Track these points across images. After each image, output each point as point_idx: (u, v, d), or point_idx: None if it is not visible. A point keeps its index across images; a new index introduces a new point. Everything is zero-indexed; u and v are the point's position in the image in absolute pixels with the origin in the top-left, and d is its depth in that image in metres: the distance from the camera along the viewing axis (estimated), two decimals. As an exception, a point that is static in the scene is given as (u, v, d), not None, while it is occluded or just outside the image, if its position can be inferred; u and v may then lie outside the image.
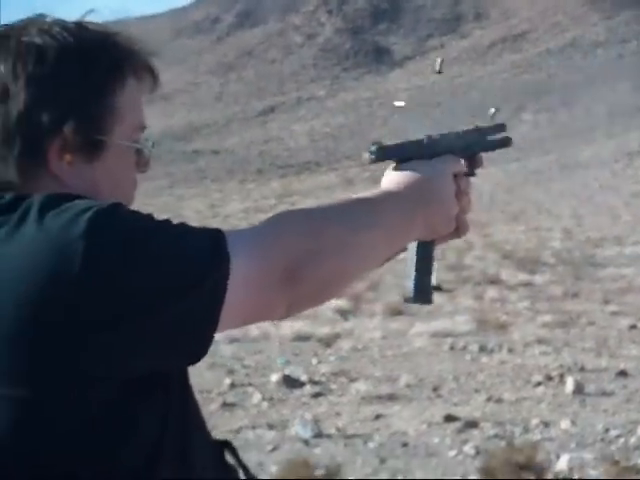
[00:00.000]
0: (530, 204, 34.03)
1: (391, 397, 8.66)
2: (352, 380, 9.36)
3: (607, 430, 7.47)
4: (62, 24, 1.38)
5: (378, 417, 8.07)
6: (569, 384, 8.69)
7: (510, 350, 10.47)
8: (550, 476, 6.51)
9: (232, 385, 9.18)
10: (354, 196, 1.49)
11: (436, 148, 1.61)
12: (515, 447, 6.90)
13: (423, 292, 1.65)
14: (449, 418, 7.85)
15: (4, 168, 1.34)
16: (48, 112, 1.32)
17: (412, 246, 1.62)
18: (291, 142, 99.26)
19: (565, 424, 7.64)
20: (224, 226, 1.34)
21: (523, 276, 16.83)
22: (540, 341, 10.86)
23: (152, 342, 1.23)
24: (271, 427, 7.83)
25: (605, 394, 8.57)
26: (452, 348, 10.72)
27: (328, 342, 11.13)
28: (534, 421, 7.76)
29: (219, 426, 7.59)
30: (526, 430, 7.59)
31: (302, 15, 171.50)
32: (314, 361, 10.28)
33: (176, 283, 1.22)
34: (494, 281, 16.18)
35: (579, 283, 15.63)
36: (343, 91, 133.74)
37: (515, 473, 6.35)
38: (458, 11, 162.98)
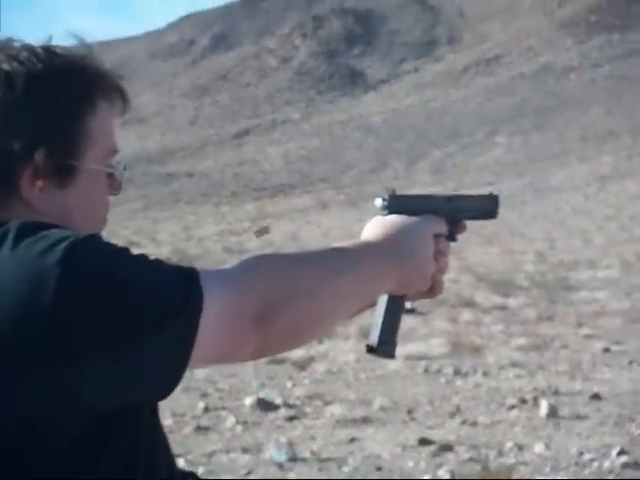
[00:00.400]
0: (504, 227, 34.12)
1: (365, 420, 8.63)
2: (327, 403, 9.32)
3: (581, 454, 7.46)
4: (30, 49, 1.37)
5: (352, 440, 8.03)
6: (543, 407, 8.69)
7: (485, 373, 10.47)
8: (525, 500, 6.50)
9: (206, 409, 9.11)
10: (333, 245, 1.49)
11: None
12: (490, 471, 6.89)
13: (387, 345, 1.64)
14: (423, 441, 7.82)
15: (-24, 196, 1.33)
16: (18, 139, 1.31)
17: (383, 298, 1.61)
18: (266, 165, 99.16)
19: (539, 448, 7.62)
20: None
21: (497, 299, 16.84)
22: (514, 364, 10.87)
23: (122, 376, 1.21)
24: (245, 451, 7.76)
25: (579, 417, 8.57)
26: (426, 371, 10.71)
27: (302, 365, 11.09)
28: (508, 444, 7.75)
29: (193, 450, 7.51)
30: (500, 454, 7.57)
31: (277, 38, 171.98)
32: (289, 384, 10.24)
33: (150, 317, 1.21)
34: (469, 304, 16.18)
35: (553, 306, 15.67)
36: (318, 114, 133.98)
37: (490, 497, 6.35)
38: (432, 35, 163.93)
